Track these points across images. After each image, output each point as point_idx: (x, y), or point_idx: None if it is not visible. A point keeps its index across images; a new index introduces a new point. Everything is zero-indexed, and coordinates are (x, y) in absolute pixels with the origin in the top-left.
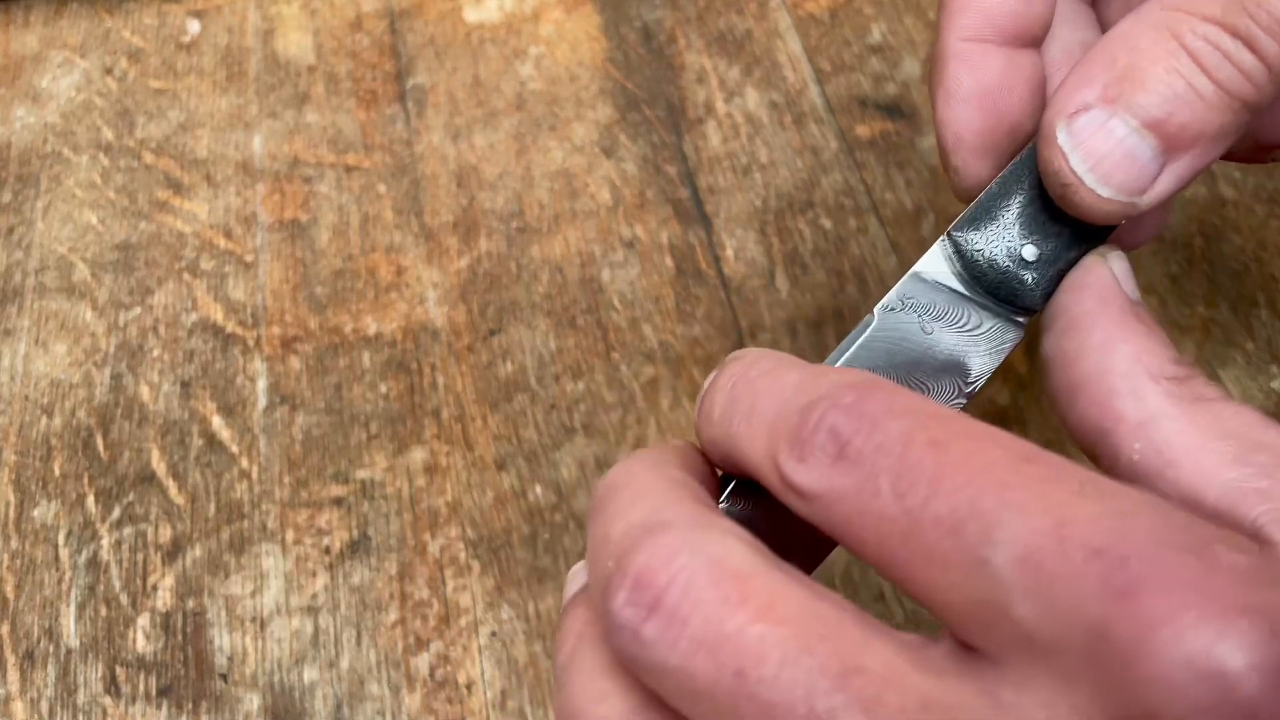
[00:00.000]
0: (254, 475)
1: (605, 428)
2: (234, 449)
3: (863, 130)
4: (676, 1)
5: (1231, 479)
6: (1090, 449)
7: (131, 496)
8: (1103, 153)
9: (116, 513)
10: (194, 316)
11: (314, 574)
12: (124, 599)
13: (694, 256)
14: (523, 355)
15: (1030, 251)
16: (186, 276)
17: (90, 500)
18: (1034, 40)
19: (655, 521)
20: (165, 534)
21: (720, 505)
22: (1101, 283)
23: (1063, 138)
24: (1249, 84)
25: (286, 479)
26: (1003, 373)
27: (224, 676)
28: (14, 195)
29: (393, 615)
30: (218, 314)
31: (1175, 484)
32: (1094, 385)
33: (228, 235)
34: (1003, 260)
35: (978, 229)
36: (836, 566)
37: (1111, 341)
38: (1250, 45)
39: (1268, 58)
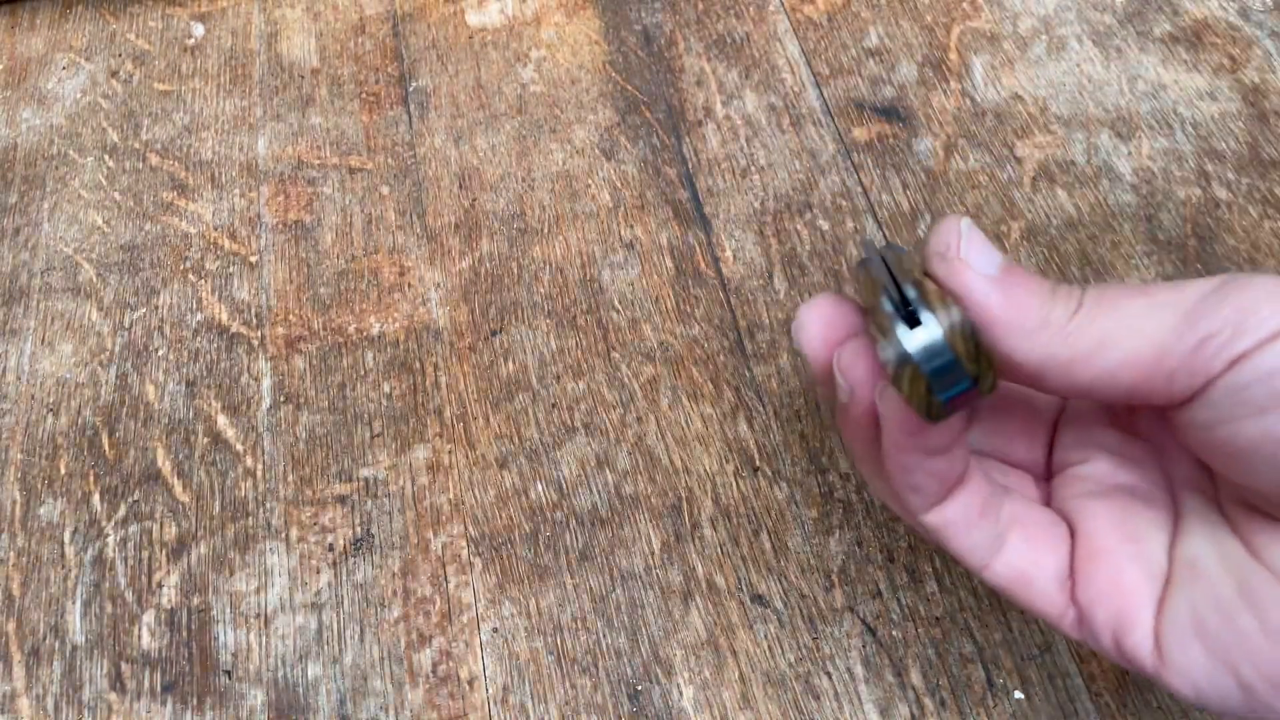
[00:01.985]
0: (258, 473)
1: (605, 427)
2: (239, 448)
3: (860, 133)
4: (676, 5)
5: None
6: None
7: (137, 495)
8: None
9: (122, 511)
10: (199, 317)
11: (318, 571)
12: (129, 596)
13: (693, 257)
14: (524, 355)
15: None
16: (191, 277)
17: (96, 498)
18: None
19: None
20: (170, 532)
21: None
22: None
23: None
24: None
25: (291, 477)
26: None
27: (228, 672)
28: (20, 197)
29: (395, 612)
30: (222, 314)
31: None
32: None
33: (232, 236)
34: None
35: None
36: (835, 562)
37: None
38: None
39: None
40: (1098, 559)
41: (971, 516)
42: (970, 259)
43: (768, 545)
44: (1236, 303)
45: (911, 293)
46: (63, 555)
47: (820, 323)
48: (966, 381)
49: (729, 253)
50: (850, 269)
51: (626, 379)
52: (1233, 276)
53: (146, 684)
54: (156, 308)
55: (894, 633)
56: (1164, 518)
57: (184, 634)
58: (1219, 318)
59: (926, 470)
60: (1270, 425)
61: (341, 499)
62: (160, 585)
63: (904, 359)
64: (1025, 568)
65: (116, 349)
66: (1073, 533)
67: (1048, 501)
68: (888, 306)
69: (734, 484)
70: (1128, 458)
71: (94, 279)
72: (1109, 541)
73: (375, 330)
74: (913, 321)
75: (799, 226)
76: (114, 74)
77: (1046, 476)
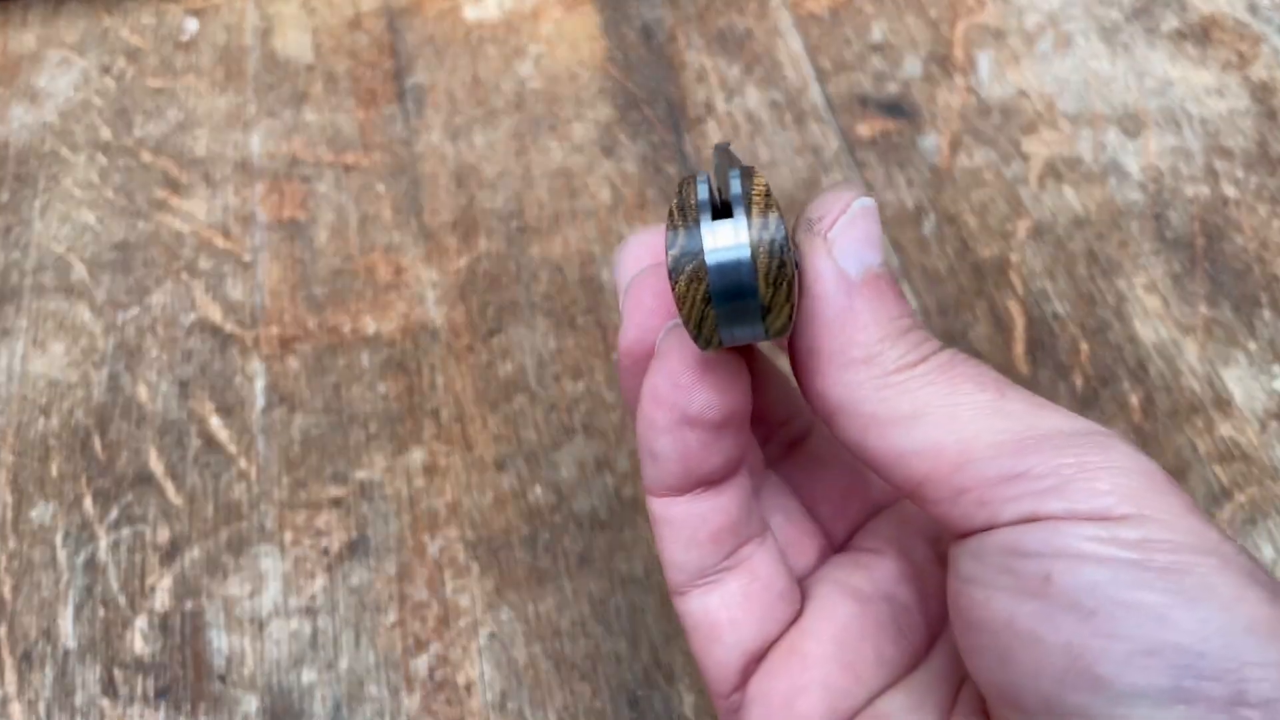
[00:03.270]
0: (252, 476)
1: (605, 428)
2: (232, 449)
3: (863, 129)
4: (677, 0)
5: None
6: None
7: (129, 497)
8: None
9: (114, 513)
10: (192, 316)
11: (312, 575)
12: (122, 600)
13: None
14: (522, 355)
15: None
16: (185, 276)
17: (88, 501)
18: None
19: None
20: (163, 535)
21: None
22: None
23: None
24: None
25: (285, 479)
26: (1004, 373)
27: (222, 678)
28: (11, 195)
29: (392, 616)
30: (216, 314)
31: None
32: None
33: (226, 235)
34: None
35: None
36: None
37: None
38: None
39: None
40: (794, 661)
41: (699, 531)
42: (837, 243)
43: None
44: (1084, 462)
45: (736, 189)
46: (55, 559)
47: (642, 247)
48: (755, 306)
49: None
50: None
51: None
52: (1108, 436)
53: (139, 689)
54: (149, 307)
55: None
56: (901, 658)
57: (177, 638)
58: (1051, 463)
59: (676, 440)
60: (1022, 615)
61: (336, 502)
62: (153, 589)
63: (691, 253)
64: (721, 621)
65: (109, 349)
66: (800, 617)
67: (810, 571)
68: (702, 194)
69: None
70: (921, 578)
71: (86, 278)
72: (821, 649)
73: (371, 330)
74: (723, 213)
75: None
76: (106, 70)
77: (837, 547)
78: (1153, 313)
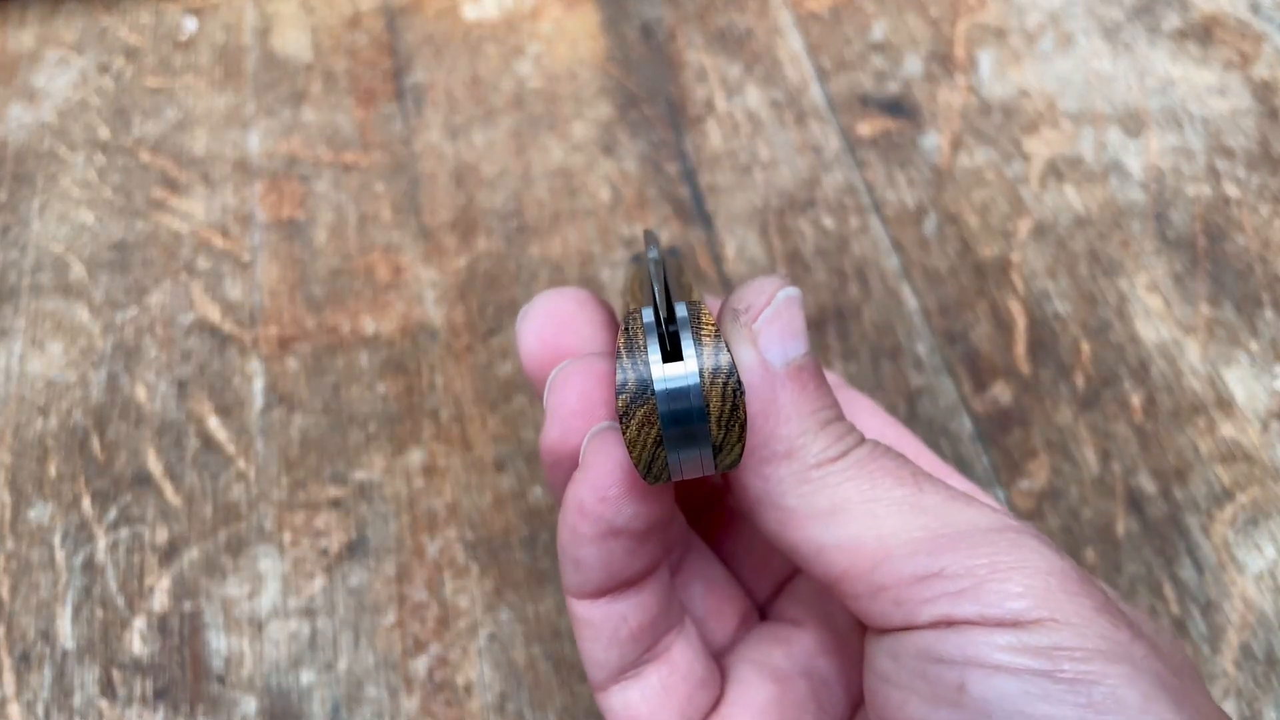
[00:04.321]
0: (251, 476)
1: None
2: (231, 450)
3: (864, 128)
4: None
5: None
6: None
7: (128, 498)
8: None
9: (113, 514)
10: (190, 316)
11: (311, 576)
12: (120, 601)
13: (694, 256)
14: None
15: None
16: (183, 276)
17: (86, 501)
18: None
19: None
20: (162, 535)
21: None
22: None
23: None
24: None
25: (284, 480)
26: (1005, 373)
27: (221, 679)
28: (9, 194)
29: (391, 617)
30: (214, 314)
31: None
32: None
33: (224, 234)
34: None
35: None
36: None
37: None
38: None
39: None
40: None
41: (621, 631)
42: (762, 335)
43: None
44: (997, 562)
45: (681, 312)
46: (53, 559)
47: (550, 319)
48: (707, 448)
49: (731, 251)
50: (628, 263)
51: None
52: (1021, 533)
53: (138, 690)
54: (147, 307)
55: None
56: None
57: (175, 639)
58: (965, 563)
59: (600, 550)
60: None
61: (335, 502)
62: (151, 590)
63: (643, 392)
64: (642, 716)
65: (107, 349)
66: (720, 703)
67: (731, 643)
68: (648, 317)
69: None
70: (842, 648)
71: (84, 278)
72: None
73: (370, 330)
74: (672, 349)
75: (802, 224)
76: (105, 69)
77: (761, 604)
78: (1154, 313)
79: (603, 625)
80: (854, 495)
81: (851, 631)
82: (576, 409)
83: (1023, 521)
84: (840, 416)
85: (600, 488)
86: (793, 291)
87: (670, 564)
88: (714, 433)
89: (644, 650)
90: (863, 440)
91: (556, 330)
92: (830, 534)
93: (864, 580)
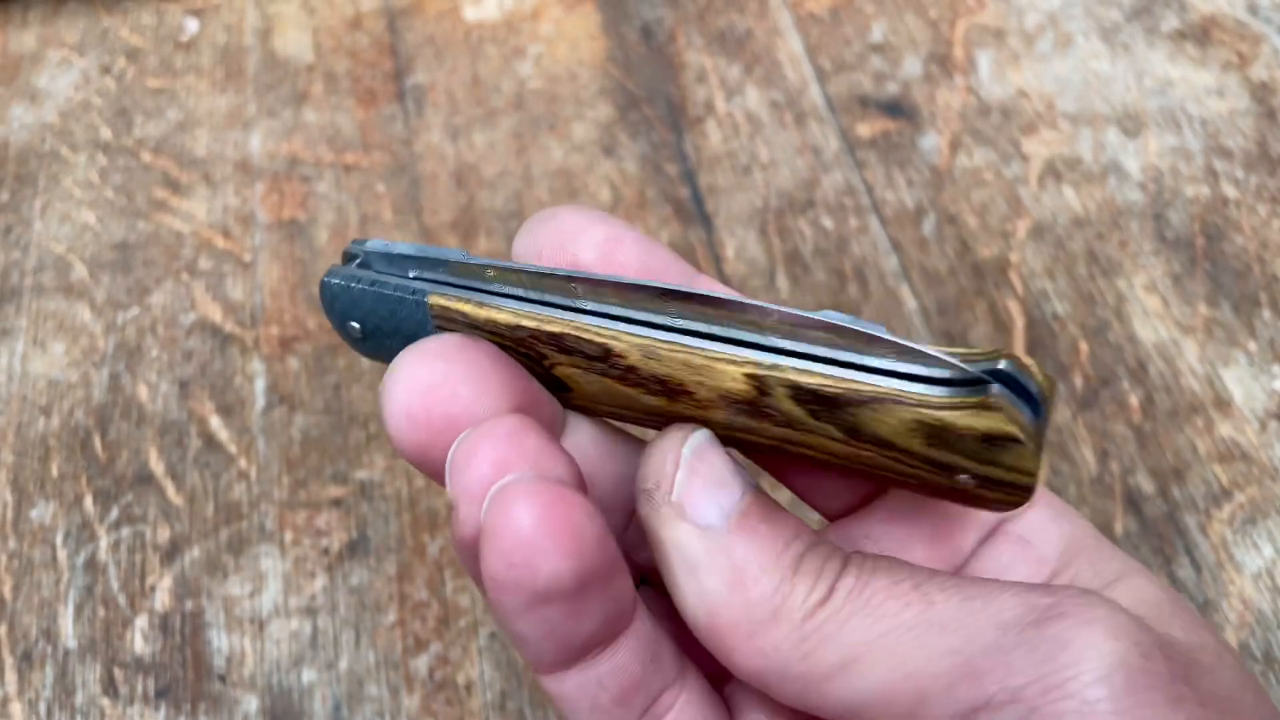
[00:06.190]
0: (252, 476)
1: None
2: (232, 449)
3: (864, 129)
4: (677, 0)
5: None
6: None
7: (129, 497)
8: None
9: (115, 513)
10: (192, 316)
11: (312, 575)
12: (122, 600)
13: (694, 256)
14: None
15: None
16: (184, 276)
17: (88, 501)
18: None
19: None
20: (163, 535)
21: None
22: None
23: None
24: None
25: (285, 479)
26: None
27: (222, 678)
28: (12, 195)
29: (391, 616)
30: (216, 314)
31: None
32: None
33: (226, 235)
34: None
35: None
36: None
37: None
38: None
39: None
40: None
41: (601, 700)
42: (687, 504)
43: None
44: (1046, 681)
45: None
46: (55, 558)
47: (419, 392)
48: None
49: (730, 251)
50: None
51: None
52: (1058, 608)
53: (139, 689)
54: (149, 307)
55: None
56: None
57: (177, 638)
58: (1010, 685)
59: (536, 620)
60: None
61: (336, 502)
62: (153, 589)
63: None
64: None
65: (109, 349)
66: None
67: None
68: (697, 441)
69: None
70: None
71: (86, 278)
72: None
73: None
74: None
75: (802, 225)
76: (107, 70)
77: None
78: (1153, 313)
79: (579, 698)
80: (861, 635)
81: None
82: (493, 482)
83: (1049, 592)
84: (810, 543)
85: (506, 551)
86: (698, 438)
87: (662, 611)
88: None
89: (638, 715)
90: (846, 562)
91: (431, 403)
92: (855, 690)
93: None
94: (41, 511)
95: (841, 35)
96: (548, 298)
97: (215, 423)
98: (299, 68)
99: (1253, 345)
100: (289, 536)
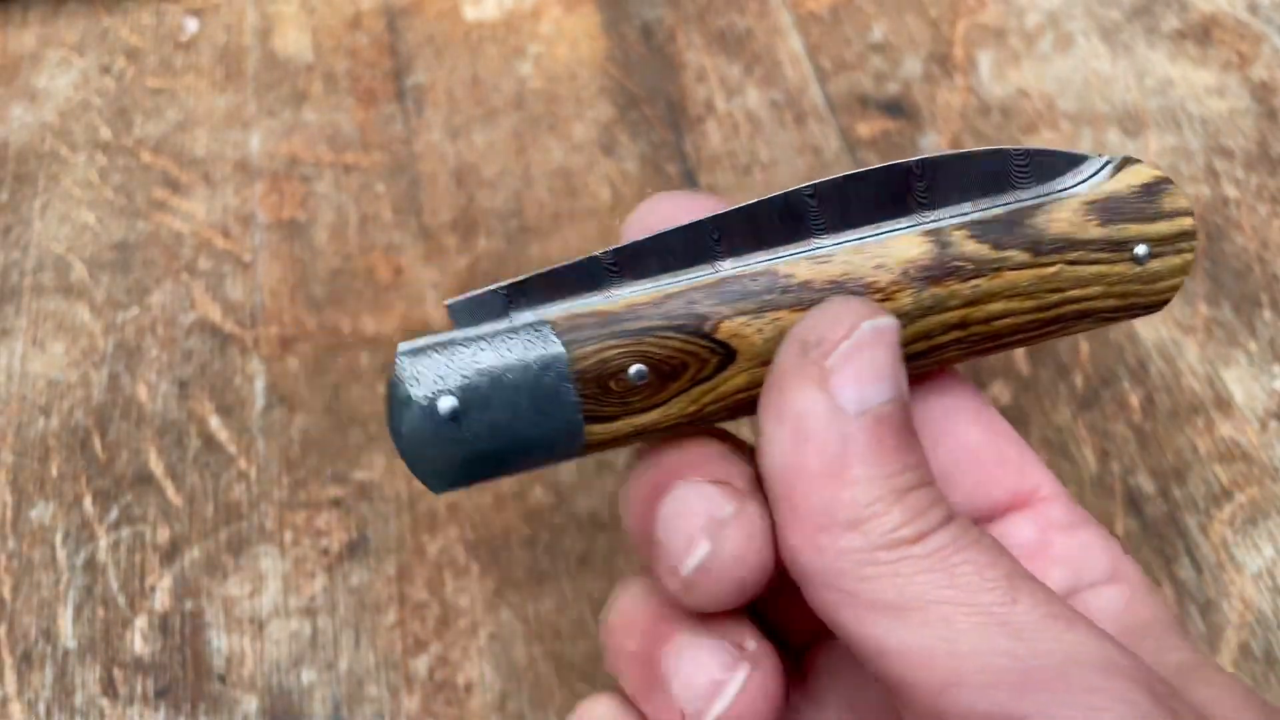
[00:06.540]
0: (252, 476)
1: None
2: (232, 449)
3: (864, 129)
4: (677, 0)
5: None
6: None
7: (129, 497)
8: None
9: (114, 514)
10: (192, 316)
11: (312, 575)
12: (121, 600)
13: None
14: None
15: None
16: (184, 276)
17: (88, 501)
18: None
19: None
20: (163, 535)
21: None
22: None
23: None
24: None
25: (285, 480)
26: (1004, 373)
27: (222, 678)
28: (11, 194)
29: (391, 617)
30: (215, 314)
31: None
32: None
33: (225, 235)
34: None
35: None
36: None
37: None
38: None
39: None
40: None
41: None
42: (835, 374)
43: None
44: (1102, 713)
45: None
46: (54, 559)
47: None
48: None
49: None
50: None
51: None
52: (1133, 680)
53: (139, 689)
54: (149, 307)
55: None
56: None
57: (177, 639)
58: (1052, 712)
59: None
60: None
61: (336, 502)
62: (153, 589)
63: None
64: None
65: (108, 349)
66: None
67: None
68: None
69: None
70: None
71: (85, 278)
72: None
73: (370, 330)
74: None
75: None
76: (106, 70)
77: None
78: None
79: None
80: (928, 592)
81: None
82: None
83: (1131, 656)
84: (926, 482)
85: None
86: (883, 323)
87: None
88: None
89: None
90: (950, 518)
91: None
92: (894, 636)
93: (926, 701)
94: (41, 512)
95: (841, 35)
96: (680, 275)
97: (215, 423)
98: (298, 67)
99: (1253, 345)
100: (289, 537)
